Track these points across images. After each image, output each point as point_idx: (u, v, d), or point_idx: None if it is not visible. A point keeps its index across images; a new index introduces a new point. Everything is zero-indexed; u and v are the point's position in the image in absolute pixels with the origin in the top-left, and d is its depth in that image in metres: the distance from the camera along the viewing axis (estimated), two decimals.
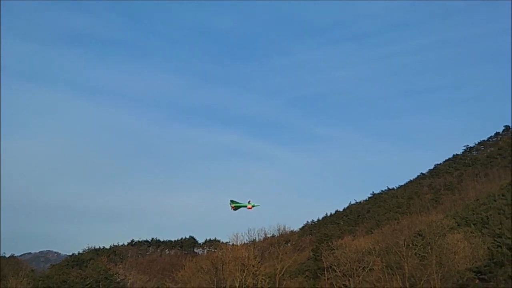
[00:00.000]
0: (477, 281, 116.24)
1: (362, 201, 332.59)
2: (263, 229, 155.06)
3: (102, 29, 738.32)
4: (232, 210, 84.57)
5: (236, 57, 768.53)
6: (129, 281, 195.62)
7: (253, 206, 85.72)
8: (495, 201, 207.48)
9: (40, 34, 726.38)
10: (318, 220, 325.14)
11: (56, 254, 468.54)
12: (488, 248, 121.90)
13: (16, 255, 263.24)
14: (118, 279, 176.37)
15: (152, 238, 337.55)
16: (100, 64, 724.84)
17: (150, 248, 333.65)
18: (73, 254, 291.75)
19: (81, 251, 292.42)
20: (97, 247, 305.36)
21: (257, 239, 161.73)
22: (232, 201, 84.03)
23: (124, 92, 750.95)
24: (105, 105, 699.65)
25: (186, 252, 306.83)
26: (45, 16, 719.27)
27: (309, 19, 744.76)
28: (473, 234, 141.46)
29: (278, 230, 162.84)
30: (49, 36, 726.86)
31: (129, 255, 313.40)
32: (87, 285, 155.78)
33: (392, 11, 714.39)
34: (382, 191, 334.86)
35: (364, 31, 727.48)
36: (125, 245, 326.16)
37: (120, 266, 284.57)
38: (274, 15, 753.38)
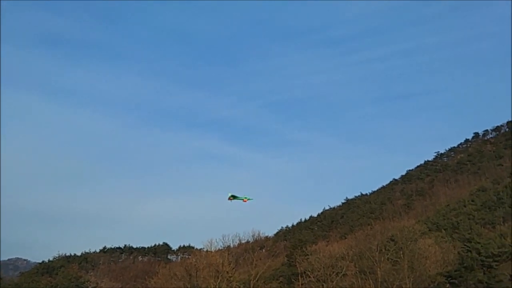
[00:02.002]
0: (447, 285, 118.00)
1: (336, 207, 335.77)
2: (237, 235, 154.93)
3: (74, 30, 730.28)
4: (229, 200, 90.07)
5: (212, 60, 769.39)
6: None
7: (248, 199, 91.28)
8: (465, 206, 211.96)
9: (9, 35, 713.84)
10: (293, 225, 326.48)
11: (25, 262, 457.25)
12: (458, 252, 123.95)
13: None
14: (90, 287, 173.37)
15: (125, 245, 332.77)
16: (72, 66, 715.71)
17: (123, 255, 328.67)
18: (43, 261, 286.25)
19: (51, 259, 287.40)
20: (68, 254, 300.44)
21: (231, 245, 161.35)
22: (232, 195, 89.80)
23: (97, 95, 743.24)
24: (77, 108, 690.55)
25: (159, 259, 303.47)
26: (14, 16, 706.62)
27: (286, 23, 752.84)
28: (444, 239, 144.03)
29: (253, 236, 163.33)
30: (19, 37, 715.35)
31: (101, 262, 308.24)
32: None
33: (367, 17, 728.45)
34: (355, 196, 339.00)
35: (340, 37, 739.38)
36: (97, 252, 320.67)
37: (92, 273, 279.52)
38: (251, 18, 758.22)
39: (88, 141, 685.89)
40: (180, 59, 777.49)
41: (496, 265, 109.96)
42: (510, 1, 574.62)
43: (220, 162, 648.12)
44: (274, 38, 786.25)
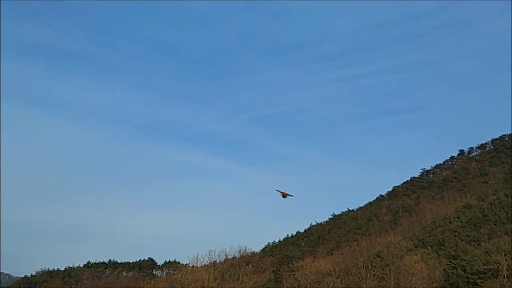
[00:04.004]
0: None
1: (322, 222, 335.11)
2: (224, 250, 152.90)
3: (62, 42, 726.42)
4: (279, 193, 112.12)
5: (200, 74, 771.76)
6: None
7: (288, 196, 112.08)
8: (450, 223, 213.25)
9: None
10: (279, 241, 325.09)
11: (7, 276, 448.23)
12: (444, 269, 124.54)
13: None
14: None
15: (109, 260, 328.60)
16: (59, 78, 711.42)
17: (107, 270, 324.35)
18: (25, 276, 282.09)
19: (34, 273, 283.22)
20: (51, 268, 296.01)
21: (217, 261, 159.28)
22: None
23: (84, 107, 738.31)
24: (63, 119, 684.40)
25: (144, 274, 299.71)
26: (1, 26, 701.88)
27: (276, 38, 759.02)
28: (430, 256, 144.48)
29: (239, 251, 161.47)
30: (5, 47, 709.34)
31: (84, 277, 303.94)
32: None
33: (355, 34, 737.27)
34: (342, 212, 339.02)
35: (329, 52, 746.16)
36: (80, 267, 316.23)
37: None
38: (240, 33, 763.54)
39: (73, 154, 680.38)
40: (169, 72, 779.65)
41: (481, 282, 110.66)
42: (494, 21, 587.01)
43: (208, 176, 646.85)
44: (263, 53, 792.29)
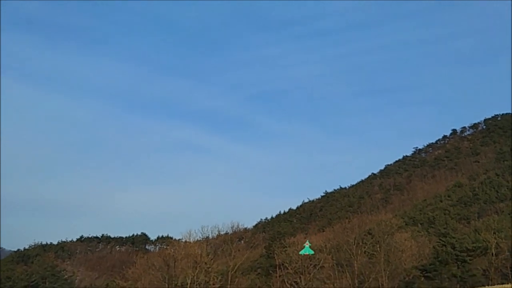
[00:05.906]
0: (422, 279, 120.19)
1: (315, 200, 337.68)
2: (216, 226, 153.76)
3: (52, 13, 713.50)
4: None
5: (195, 49, 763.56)
6: (77, 278, 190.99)
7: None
8: (441, 201, 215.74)
9: None
10: (272, 217, 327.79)
11: (0, 250, 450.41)
12: (433, 247, 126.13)
13: None
14: (66, 276, 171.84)
15: (102, 234, 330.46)
16: (50, 50, 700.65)
17: (100, 244, 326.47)
18: (18, 249, 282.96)
19: (27, 247, 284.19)
20: (44, 242, 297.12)
21: (210, 236, 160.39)
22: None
23: (76, 81, 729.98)
24: (54, 93, 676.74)
25: (137, 248, 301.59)
26: None
27: (272, 14, 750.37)
28: (420, 233, 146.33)
29: (232, 227, 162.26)
30: None
31: (77, 251, 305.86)
32: (32, 282, 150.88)
33: (352, 11, 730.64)
34: (334, 190, 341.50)
35: (324, 29, 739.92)
36: (73, 241, 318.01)
37: (68, 262, 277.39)
38: (236, 8, 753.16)
39: (65, 128, 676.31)
40: (163, 47, 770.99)
41: (470, 260, 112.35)
42: (490, 1, 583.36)
43: (201, 152, 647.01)
44: (260, 29, 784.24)
